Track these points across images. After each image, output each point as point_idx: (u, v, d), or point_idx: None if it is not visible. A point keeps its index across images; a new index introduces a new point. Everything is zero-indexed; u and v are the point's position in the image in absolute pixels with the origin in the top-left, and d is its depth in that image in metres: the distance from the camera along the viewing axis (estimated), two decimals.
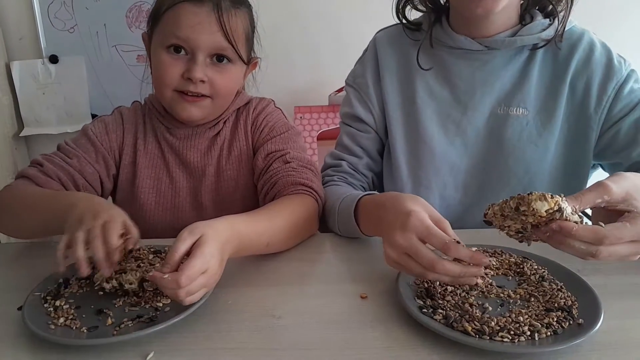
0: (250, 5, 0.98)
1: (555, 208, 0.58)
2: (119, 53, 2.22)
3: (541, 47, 0.94)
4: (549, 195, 0.59)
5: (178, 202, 1.02)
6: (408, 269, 0.65)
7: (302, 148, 1.02)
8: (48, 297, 0.67)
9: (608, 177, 0.63)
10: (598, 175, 1.00)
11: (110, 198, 1.04)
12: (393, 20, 1.04)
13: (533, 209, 0.59)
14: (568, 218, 0.59)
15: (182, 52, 0.90)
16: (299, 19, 2.20)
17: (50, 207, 0.77)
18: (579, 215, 0.60)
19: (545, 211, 0.58)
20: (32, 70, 2.19)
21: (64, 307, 0.65)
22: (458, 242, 0.62)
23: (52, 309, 0.65)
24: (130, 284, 0.67)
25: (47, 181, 0.89)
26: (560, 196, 0.60)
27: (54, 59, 2.19)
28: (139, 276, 0.68)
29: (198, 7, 0.88)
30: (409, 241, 0.63)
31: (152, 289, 0.68)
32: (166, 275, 0.59)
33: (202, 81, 0.91)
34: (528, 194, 0.60)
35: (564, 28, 0.92)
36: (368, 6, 2.10)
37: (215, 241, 0.64)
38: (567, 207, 0.59)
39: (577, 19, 0.96)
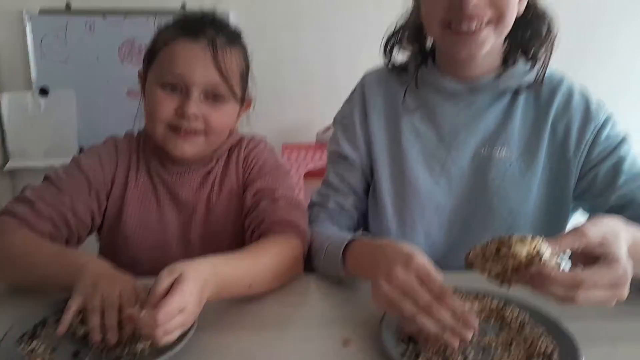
0: (245, 45, 1.00)
1: (534, 252, 0.60)
2: (109, 86, 2.24)
3: (523, 90, 0.97)
4: (529, 239, 0.60)
5: (165, 237, 1.01)
6: (399, 307, 0.63)
7: (291, 187, 1.03)
8: (24, 338, 0.66)
9: (586, 222, 0.65)
10: (580, 217, 1.03)
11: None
12: (381, 61, 1.07)
13: (513, 252, 0.60)
14: (547, 262, 0.60)
15: (177, 89, 0.91)
16: (289, 58, 2.25)
17: (55, 264, 0.76)
18: (557, 259, 0.61)
19: (525, 254, 0.60)
20: (22, 102, 2.19)
21: (40, 349, 0.64)
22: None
23: (28, 348, 0.63)
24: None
25: (39, 223, 0.86)
26: (540, 239, 0.61)
27: (44, 91, 2.20)
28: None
29: (193, 43, 0.90)
30: (409, 279, 0.64)
31: (133, 332, 0.67)
32: (143, 313, 0.59)
33: (196, 117, 0.91)
34: (508, 237, 0.61)
35: (544, 74, 0.95)
36: (357, 47, 2.16)
37: (194, 280, 0.64)
38: (547, 251, 0.60)
39: (558, 63, 1.00)
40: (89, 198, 0.95)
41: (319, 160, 2.08)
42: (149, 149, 1.02)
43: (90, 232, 0.99)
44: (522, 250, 0.60)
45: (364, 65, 1.12)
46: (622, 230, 0.67)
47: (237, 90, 0.95)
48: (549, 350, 0.64)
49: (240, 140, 1.06)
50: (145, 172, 1.01)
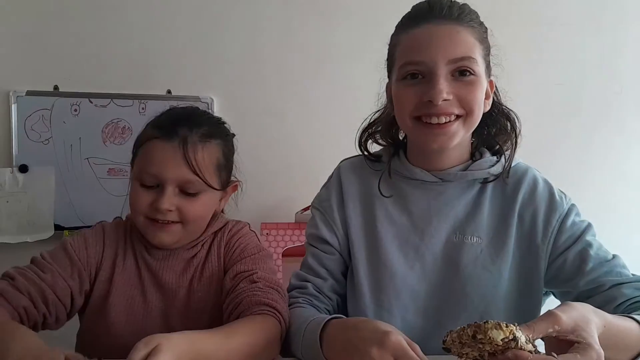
0: (227, 134, 1.05)
1: (510, 337, 0.61)
2: (90, 165, 2.25)
3: (490, 181, 1.02)
4: (504, 324, 0.62)
5: (148, 322, 1.01)
6: None
7: (271, 270, 1.04)
8: None
9: (558, 307, 0.68)
10: (551, 301, 1.05)
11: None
12: (356, 149, 1.13)
13: (489, 337, 0.62)
14: (523, 347, 0.61)
15: (154, 185, 0.96)
16: (270, 141, 2.32)
17: None
18: (532, 344, 0.63)
19: (501, 339, 0.61)
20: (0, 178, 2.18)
21: None
22: None
23: None
24: None
25: (15, 295, 0.87)
26: (515, 325, 0.63)
27: (23, 169, 2.20)
28: None
29: (166, 143, 0.96)
30: (385, 359, 0.65)
31: None
32: None
33: (169, 211, 0.96)
34: (484, 323, 0.63)
35: (510, 166, 1.01)
36: (335, 131, 2.24)
37: (170, 352, 0.64)
38: (522, 336, 0.62)
39: (524, 154, 1.06)
40: (70, 278, 0.96)
41: (298, 239, 2.08)
42: (135, 234, 1.05)
43: (70, 314, 0.98)
44: (498, 336, 0.61)
45: (342, 150, 1.18)
46: (593, 316, 0.69)
47: (214, 181, 1.00)
48: None
49: (225, 225, 1.08)
50: (132, 256, 1.04)
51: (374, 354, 0.66)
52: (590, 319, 0.68)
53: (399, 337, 0.67)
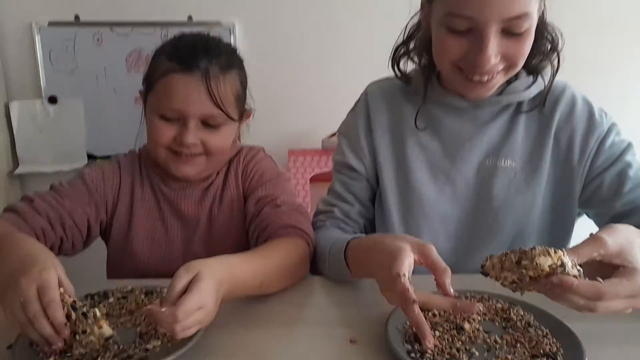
0: (241, 62, 1.00)
1: (559, 263, 0.60)
2: (117, 95, 2.27)
3: (527, 111, 0.97)
4: (553, 251, 0.61)
5: (171, 251, 1.04)
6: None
7: (291, 193, 1.05)
8: None
9: (602, 230, 0.65)
10: (582, 222, 1.03)
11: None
12: (383, 68, 1.08)
13: (537, 263, 0.61)
14: (568, 272, 0.60)
15: (175, 119, 0.93)
16: (294, 64, 2.28)
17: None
18: (577, 269, 0.62)
19: (548, 266, 0.60)
20: (31, 111, 2.23)
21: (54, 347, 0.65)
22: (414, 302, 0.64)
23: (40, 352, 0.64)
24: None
25: (34, 217, 0.89)
26: (562, 251, 0.62)
27: (53, 100, 2.23)
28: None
29: (187, 77, 0.91)
30: (395, 298, 0.66)
31: (145, 330, 0.68)
32: (163, 309, 0.60)
33: (194, 145, 0.94)
34: (531, 249, 0.62)
35: (549, 89, 0.96)
36: (360, 54, 2.18)
37: (211, 279, 0.66)
38: (568, 262, 0.61)
39: (562, 71, 1.00)
40: (87, 206, 0.98)
41: (325, 165, 2.09)
42: (150, 166, 1.05)
43: (86, 242, 1.00)
44: (546, 262, 0.60)
45: (369, 73, 1.14)
46: (637, 238, 0.67)
47: (234, 113, 0.97)
48: (554, 350, 0.65)
49: (239, 151, 1.08)
50: (149, 188, 1.05)
51: (386, 295, 0.68)
52: (635, 242, 0.66)
53: (403, 287, 0.65)
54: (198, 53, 0.92)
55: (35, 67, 2.21)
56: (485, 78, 0.87)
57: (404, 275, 0.66)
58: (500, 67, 0.86)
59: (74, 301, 0.63)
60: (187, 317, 0.61)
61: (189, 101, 0.91)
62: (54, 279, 0.63)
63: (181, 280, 0.64)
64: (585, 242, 0.64)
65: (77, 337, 0.62)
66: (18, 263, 0.66)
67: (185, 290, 0.63)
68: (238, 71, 0.99)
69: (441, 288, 0.67)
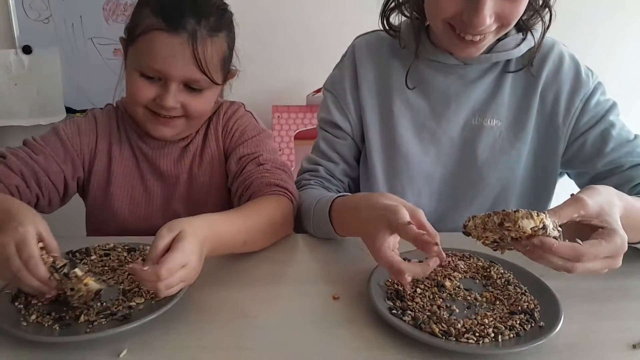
0: (231, 22, 0.95)
1: (540, 226, 0.61)
2: (95, 46, 2.18)
3: (514, 71, 0.96)
4: (535, 214, 0.61)
5: (151, 209, 1.03)
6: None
7: (274, 150, 1.03)
8: (20, 294, 0.67)
9: (583, 191, 0.66)
10: (563, 182, 1.05)
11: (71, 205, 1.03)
12: (371, 23, 1.05)
13: (519, 226, 0.61)
14: (549, 234, 0.61)
15: (156, 79, 0.89)
16: (279, 18, 2.21)
17: None
18: (558, 230, 0.62)
19: (530, 229, 0.61)
20: (4, 60, 2.14)
21: (37, 304, 0.65)
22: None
23: (22, 305, 0.64)
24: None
25: (7, 174, 0.87)
26: (544, 213, 0.62)
27: (27, 50, 2.14)
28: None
29: (173, 37, 0.86)
30: (389, 258, 0.65)
31: (129, 288, 0.68)
32: (146, 268, 0.60)
33: (173, 108, 0.91)
34: (515, 212, 0.62)
35: (537, 50, 0.94)
36: (347, 8, 2.12)
37: (194, 237, 0.65)
38: (550, 224, 0.61)
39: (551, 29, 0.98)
40: (62, 162, 0.95)
41: (309, 123, 2.07)
42: (128, 122, 1.02)
43: (63, 199, 0.99)
44: (528, 225, 0.60)
45: (355, 28, 1.10)
46: (616, 200, 0.68)
47: (218, 78, 0.94)
48: (531, 307, 0.66)
49: (219, 108, 1.05)
50: (127, 145, 1.02)
51: (381, 257, 0.67)
52: (614, 203, 0.67)
53: (386, 254, 0.65)
54: (186, 11, 0.87)
55: (7, 15, 2.11)
56: (478, 38, 0.85)
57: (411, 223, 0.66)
58: (494, 27, 0.85)
59: (54, 261, 0.62)
60: (170, 275, 0.61)
61: (172, 63, 0.87)
62: (31, 235, 0.62)
63: (163, 240, 0.63)
64: (566, 203, 0.64)
65: (68, 293, 0.62)
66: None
67: (168, 249, 0.63)
68: (227, 33, 0.94)
69: (431, 253, 0.65)
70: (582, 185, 1.01)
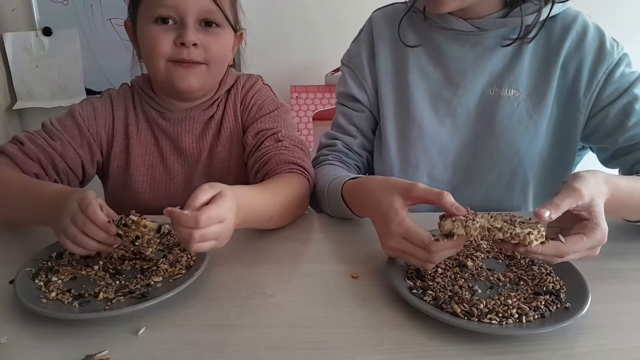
0: None
1: (542, 240, 0.61)
2: (113, 27, 2.19)
3: (530, 34, 0.92)
4: (537, 227, 0.61)
5: (172, 189, 1.02)
6: (413, 263, 0.67)
7: (292, 126, 1.02)
8: (40, 273, 0.67)
9: (575, 180, 0.65)
10: (589, 157, 1.01)
11: (91, 185, 1.03)
12: (389, 1, 1.03)
13: (522, 238, 0.60)
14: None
15: (171, 22, 0.88)
16: None
17: (25, 196, 0.77)
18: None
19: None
20: (25, 43, 2.15)
21: (57, 281, 0.65)
22: (436, 239, 0.63)
23: (42, 283, 0.65)
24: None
25: (25, 161, 0.88)
26: (540, 223, 0.62)
27: (47, 32, 2.16)
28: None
29: None
30: (400, 245, 0.66)
31: (147, 266, 0.68)
32: (187, 212, 0.59)
33: (195, 45, 0.89)
34: (519, 222, 0.63)
35: (551, 8, 0.90)
36: None
37: (232, 199, 0.66)
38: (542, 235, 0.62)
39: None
40: (79, 147, 0.95)
41: (328, 103, 2.05)
42: (145, 99, 1.00)
43: (82, 183, 0.99)
44: (534, 242, 0.60)
45: (371, 6, 1.08)
46: (603, 187, 0.68)
47: (230, 16, 0.93)
48: (557, 288, 0.65)
49: (237, 80, 1.04)
50: (145, 124, 1.00)
51: (391, 245, 0.67)
52: (601, 192, 0.67)
53: (398, 220, 0.66)
54: None
55: None
56: None
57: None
58: None
59: (109, 219, 0.67)
60: (208, 225, 0.60)
61: None
62: (92, 195, 0.68)
63: (205, 193, 0.63)
64: (564, 194, 0.63)
65: (136, 243, 0.68)
66: (55, 195, 0.72)
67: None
68: None
69: (448, 209, 0.65)
70: (604, 161, 0.98)
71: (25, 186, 0.80)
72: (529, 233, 0.60)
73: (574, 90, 0.93)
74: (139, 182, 1.00)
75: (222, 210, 0.63)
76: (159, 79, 0.94)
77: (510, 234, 0.60)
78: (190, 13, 0.88)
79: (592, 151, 1.02)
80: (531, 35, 0.92)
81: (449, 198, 0.65)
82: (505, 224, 0.63)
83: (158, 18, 0.88)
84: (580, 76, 0.92)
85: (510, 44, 0.92)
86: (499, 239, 0.61)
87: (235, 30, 0.97)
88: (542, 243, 0.61)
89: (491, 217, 0.65)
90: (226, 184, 0.68)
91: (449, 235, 0.63)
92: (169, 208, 0.60)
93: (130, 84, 1.04)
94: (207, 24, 0.90)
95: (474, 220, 0.63)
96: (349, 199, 0.84)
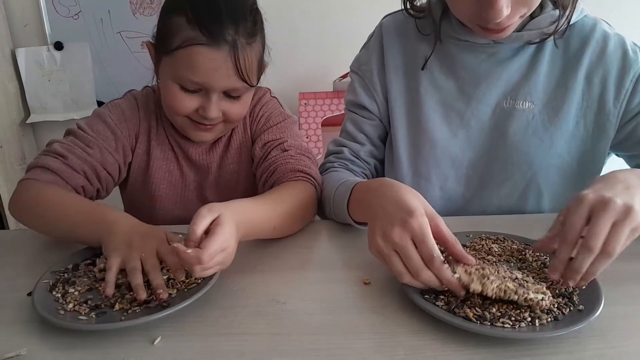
0: (262, 21, 0.93)
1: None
2: (123, 40, 2.22)
3: (545, 39, 0.90)
4: (545, 293, 0.61)
5: (186, 195, 1.04)
6: (390, 264, 0.64)
7: (298, 136, 1.03)
8: (57, 284, 0.68)
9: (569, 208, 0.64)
10: (612, 161, 1.00)
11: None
12: (396, 3, 1.02)
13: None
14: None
15: (196, 90, 0.89)
16: (304, 3, 2.19)
17: (84, 216, 0.77)
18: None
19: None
20: (37, 57, 2.19)
21: (74, 293, 0.66)
22: (444, 262, 0.62)
23: (59, 294, 0.66)
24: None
25: (72, 176, 0.88)
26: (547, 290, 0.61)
27: (58, 46, 2.19)
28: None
29: (215, 52, 0.84)
30: (403, 241, 0.62)
31: (165, 278, 0.69)
32: (189, 251, 0.61)
33: (217, 117, 0.91)
34: (531, 286, 0.61)
35: (568, 23, 0.89)
36: None
37: (232, 221, 0.66)
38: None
39: (589, 6, 0.94)
40: (115, 152, 0.96)
41: (337, 109, 2.05)
42: (164, 111, 1.01)
43: (115, 185, 1.01)
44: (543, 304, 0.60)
45: (381, 10, 1.08)
46: (619, 174, 0.69)
47: (255, 81, 0.93)
48: (569, 290, 0.64)
49: None
50: (163, 130, 1.03)
51: (394, 234, 0.62)
52: (617, 178, 0.67)
53: (421, 221, 0.62)
54: (224, 21, 0.84)
55: (38, 13, 2.16)
56: (502, 24, 0.82)
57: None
58: (517, 16, 0.81)
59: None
60: (210, 260, 0.62)
61: (215, 77, 0.86)
62: (165, 239, 0.71)
63: (204, 219, 0.64)
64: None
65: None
66: (132, 230, 0.72)
67: (207, 231, 0.64)
68: (261, 35, 0.92)
69: (459, 258, 0.64)
70: (635, 167, 0.97)
71: (87, 204, 0.83)
72: (542, 299, 0.59)
73: (603, 102, 0.92)
74: (157, 184, 1.02)
75: (224, 239, 0.64)
76: (175, 125, 0.98)
77: (525, 299, 0.59)
78: (217, 89, 0.88)
79: (618, 156, 1.00)
80: (558, 34, 0.90)
81: (459, 246, 0.65)
82: (518, 278, 0.63)
83: (184, 87, 0.88)
84: (607, 87, 0.91)
85: (536, 42, 0.91)
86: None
87: (259, 79, 0.96)
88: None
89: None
90: (232, 197, 0.70)
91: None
92: (175, 244, 0.61)
93: (152, 89, 1.05)
94: (231, 95, 0.91)
95: (486, 273, 0.62)
96: (356, 198, 0.82)
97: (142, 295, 0.63)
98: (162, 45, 0.89)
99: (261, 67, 0.96)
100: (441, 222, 0.65)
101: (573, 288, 0.65)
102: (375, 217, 0.68)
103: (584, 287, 0.65)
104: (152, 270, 0.66)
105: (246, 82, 0.89)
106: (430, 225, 0.63)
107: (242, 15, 0.87)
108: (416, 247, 0.62)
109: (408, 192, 0.68)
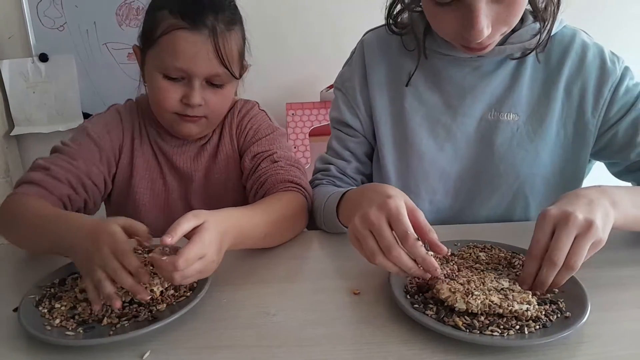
0: (241, 16, 0.97)
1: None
2: (109, 51, 2.21)
3: (527, 54, 0.92)
4: (531, 302, 0.62)
5: (171, 203, 1.05)
6: (364, 245, 0.66)
7: (288, 148, 1.04)
8: (43, 299, 0.67)
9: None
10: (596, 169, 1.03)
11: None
12: (383, 16, 1.03)
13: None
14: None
15: (179, 79, 0.91)
16: (292, 14, 2.20)
17: (50, 230, 0.74)
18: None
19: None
20: (22, 69, 2.18)
21: (60, 308, 0.66)
22: (418, 240, 0.63)
23: (46, 310, 0.65)
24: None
25: (56, 185, 0.88)
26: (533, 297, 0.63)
27: (43, 58, 2.18)
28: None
29: (195, 35, 0.87)
30: (378, 220, 0.64)
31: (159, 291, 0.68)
32: (164, 258, 0.60)
33: (200, 105, 0.93)
34: (516, 293, 0.63)
35: (549, 34, 0.90)
36: (360, 3, 2.10)
37: (215, 230, 0.66)
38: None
39: (568, 17, 0.95)
40: (100, 163, 0.97)
41: (324, 119, 2.06)
42: (148, 119, 1.04)
43: (102, 198, 1.01)
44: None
45: (366, 22, 1.09)
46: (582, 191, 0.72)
47: (237, 71, 0.95)
48: (556, 298, 0.65)
49: (234, 106, 1.06)
50: (147, 140, 1.03)
51: (371, 214, 0.65)
52: (580, 194, 0.70)
53: (398, 203, 0.65)
54: (204, 8, 0.89)
55: (23, 24, 2.15)
56: (484, 44, 0.83)
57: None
58: (497, 34, 0.82)
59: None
60: (187, 266, 0.61)
61: (197, 61, 0.88)
62: (119, 231, 0.65)
63: (188, 223, 0.64)
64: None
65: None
66: (86, 238, 0.66)
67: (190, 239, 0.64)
68: (240, 26, 0.96)
69: (432, 246, 0.65)
70: (616, 174, 1.00)
71: (54, 214, 0.79)
72: (527, 310, 0.60)
73: (581, 112, 0.93)
74: (140, 194, 1.03)
75: (201, 247, 0.63)
76: (162, 123, 0.99)
77: (510, 311, 0.60)
78: (199, 75, 0.90)
79: (604, 164, 1.02)
80: (539, 48, 0.91)
81: (434, 235, 0.66)
82: (504, 287, 0.64)
83: (167, 74, 0.90)
84: (585, 97, 0.93)
85: (518, 58, 0.93)
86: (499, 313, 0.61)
87: (241, 74, 0.99)
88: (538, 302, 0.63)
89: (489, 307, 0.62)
90: (221, 206, 0.71)
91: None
92: (152, 255, 0.61)
93: (136, 100, 1.07)
94: (213, 83, 0.93)
95: (471, 288, 0.64)
96: (346, 202, 0.84)
97: (117, 304, 0.61)
98: (146, 40, 0.93)
99: (242, 60, 0.98)
100: (421, 215, 0.67)
101: (559, 295, 0.66)
102: (359, 207, 0.70)
103: (563, 292, 0.66)
104: (114, 275, 0.62)
105: (227, 68, 0.91)
106: (409, 216, 0.65)
107: (220, 6, 0.92)
108: (392, 228, 0.64)
109: (393, 188, 0.71)
